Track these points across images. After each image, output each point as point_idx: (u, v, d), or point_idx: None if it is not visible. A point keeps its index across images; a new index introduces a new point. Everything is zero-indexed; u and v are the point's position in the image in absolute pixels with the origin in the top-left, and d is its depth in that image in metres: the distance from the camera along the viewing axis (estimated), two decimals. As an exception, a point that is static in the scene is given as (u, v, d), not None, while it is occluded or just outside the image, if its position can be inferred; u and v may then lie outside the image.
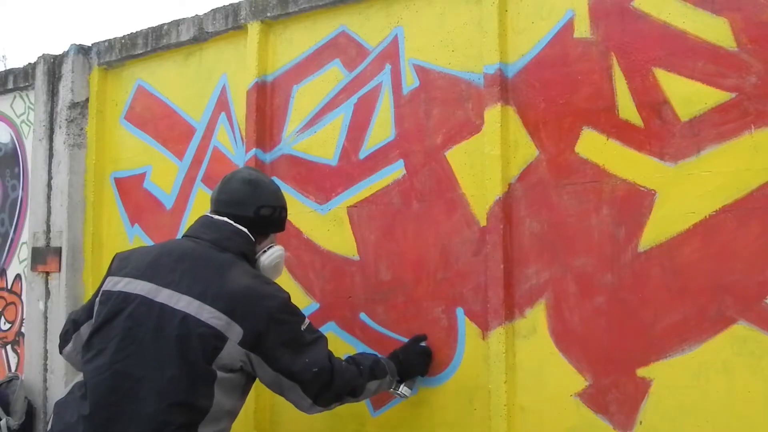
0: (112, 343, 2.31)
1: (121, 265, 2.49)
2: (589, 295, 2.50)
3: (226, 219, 2.51)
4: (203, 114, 3.59)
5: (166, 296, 2.32)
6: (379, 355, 2.69)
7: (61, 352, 2.66)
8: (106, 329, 2.34)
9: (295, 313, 2.43)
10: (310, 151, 3.20)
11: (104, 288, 2.46)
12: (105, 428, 2.24)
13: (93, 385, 2.29)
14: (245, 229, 2.51)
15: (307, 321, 2.44)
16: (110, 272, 2.50)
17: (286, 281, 3.18)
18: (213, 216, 2.54)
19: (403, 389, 2.72)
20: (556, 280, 2.56)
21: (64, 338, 2.62)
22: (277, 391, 2.43)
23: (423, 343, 2.79)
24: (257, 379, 2.44)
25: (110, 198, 3.94)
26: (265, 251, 2.59)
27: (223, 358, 2.27)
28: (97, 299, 2.46)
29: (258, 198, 2.55)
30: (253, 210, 2.53)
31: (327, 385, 2.41)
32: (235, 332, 2.28)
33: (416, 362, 2.74)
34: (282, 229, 2.69)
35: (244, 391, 2.43)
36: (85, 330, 2.48)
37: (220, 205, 2.55)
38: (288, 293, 2.45)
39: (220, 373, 2.28)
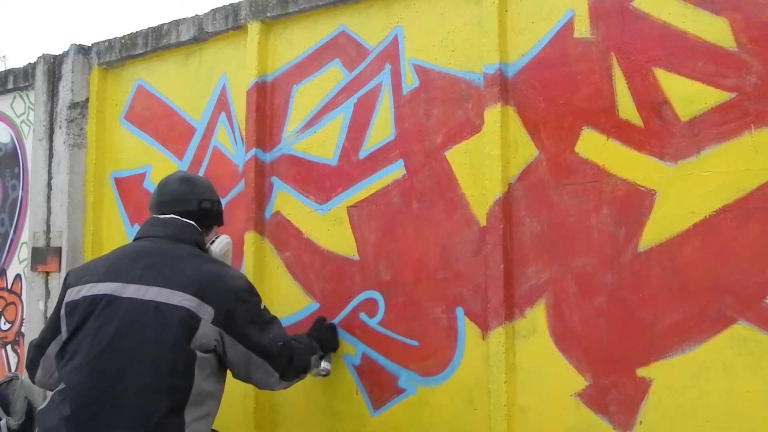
0: (85, 343, 2.35)
1: (78, 275, 2.54)
2: (589, 295, 2.50)
3: (173, 215, 2.63)
4: (203, 114, 3.59)
5: (133, 291, 2.39)
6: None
7: (33, 382, 2.66)
8: (79, 334, 2.38)
9: (255, 294, 2.59)
10: (310, 151, 3.20)
11: (66, 300, 2.49)
12: (88, 427, 2.25)
13: (71, 386, 2.31)
14: (193, 222, 2.64)
15: (262, 302, 2.60)
16: (68, 286, 2.53)
17: (286, 281, 3.19)
18: (159, 216, 2.65)
19: (324, 365, 2.92)
20: (556, 280, 2.56)
21: (31, 366, 2.62)
22: (244, 372, 2.51)
23: (327, 322, 3.02)
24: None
25: (110, 198, 3.94)
26: (213, 241, 2.74)
27: (200, 337, 2.35)
28: (62, 313, 2.48)
29: (197, 193, 2.70)
30: (195, 204, 2.67)
31: (290, 359, 2.57)
32: (206, 312, 2.37)
33: (330, 337, 2.97)
34: (222, 222, 2.83)
35: (220, 376, 2.49)
36: (53, 349, 2.49)
37: (162, 206, 2.66)
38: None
39: (198, 353, 2.35)
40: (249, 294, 2.54)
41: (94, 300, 2.40)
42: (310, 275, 3.15)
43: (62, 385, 2.35)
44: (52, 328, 2.54)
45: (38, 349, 2.57)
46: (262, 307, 2.59)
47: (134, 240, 2.67)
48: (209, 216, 2.72)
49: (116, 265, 2.50)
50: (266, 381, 2.56)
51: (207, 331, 2.37)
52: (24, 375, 4.07)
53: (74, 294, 2.47)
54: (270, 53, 3.37)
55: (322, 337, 2.91)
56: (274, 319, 2.61)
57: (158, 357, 2.29)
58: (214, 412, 2.46)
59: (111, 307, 2.37)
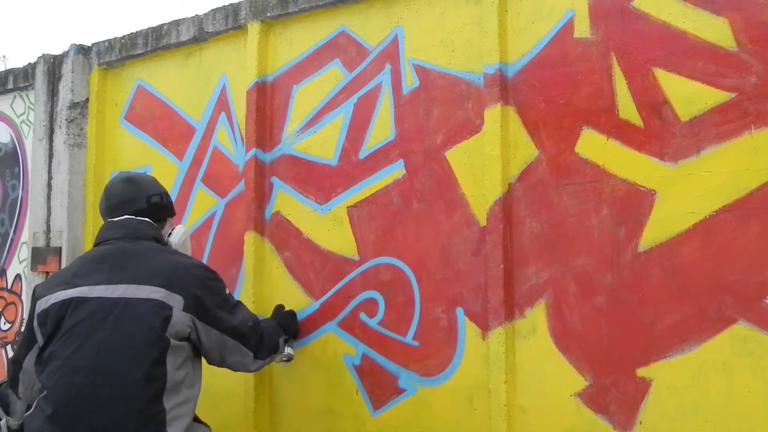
0: (59, 345, 2.40)
1: (45, 287, 2.59)
2: (589, 295, 2.50)
3: (126, 216, 2.67)
4: (203, 114, 3.59)
5: (101, 290, 2.45)
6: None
7: (19, 397, 2.70)
8: (53, 339, 2.43)
9: (219, 279, 2.67)
10: (310, 151, 3.20)
11: (37, 311, 2.53)
12: (71, 423, 2.29)
13: (50, 387, 2.36)
14: (147, 219, 2.70)
15: (226, 287, 2.69)
16: (36, 298, 2.58)
17: (286, 281, 3.19)
18: (113, 219, 2.69)
19: (288, 350, 3.01)
20: (556, 280, 2.56)
21: (13, 384, 2.65)
22: (219, 357, 2.59)
23: (285, 309, 3.09)
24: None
25: (110, 198, 3.93)
26: (170, 233, 2.81)
27: (174, 324, 2.42)
28: (35, 325, 2.52)
29: (144, 190, 2.74)
30: (144, 202, 2.71)
31: (261, 338, 2.69)
32: (176, 300, 2.45)
33: (290, 322, 3.04)
34: (173, 213, 2.88)
35: (195, 363, 2.54)
36: (29, 361, 2.53)
37: (113, 210, 2.71)
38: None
39: (173, 341, 2.41)
40: (214, 281, 2.62)
41: (63, 305, 2.45)
42: (310, 275, 3.15)
43: (44, 392, 2.39)
44: (26, 342, 2.57)
45: (15, 364, 2.59)
46: (227, 291, 2.67)
47: (94, 246, 2.70)
48: (160, 209, 2.77)
49: (80, 271, 2.55)
50: (241, 362, 2.64)
51: (180, 318, 2.44)
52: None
53: (44, 303, 2.51)
54: (270, 53, 3.37)
55: (284, 323, 2.99)
56: (239, 302, 2.72)
57: (132, 348, 2.34)
58: (194, 397, 2.51)
59: (81, 308, 2.42)
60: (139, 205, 2.70)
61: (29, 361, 2.53)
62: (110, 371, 2.32)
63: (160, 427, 2.32)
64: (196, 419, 2.57)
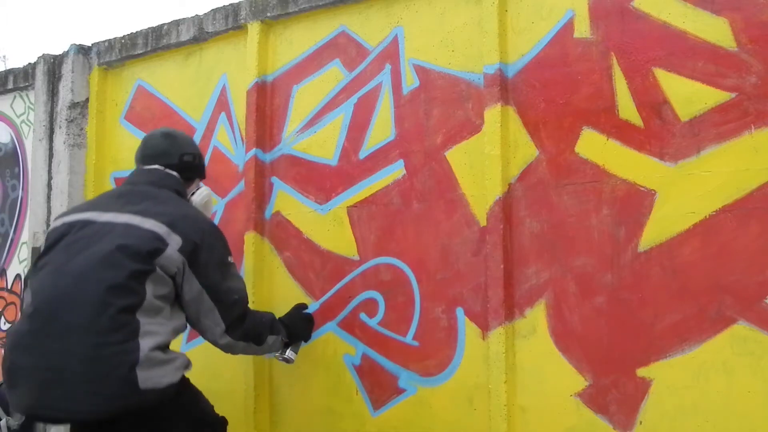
0: (53, 255, 2.51)
1: (59, 215, 2.77)
2: (589, 295, 2.50)
3: (156, 166, 2.76)
4: (203, 114, 3.59)
5: (109, 216, 2.55)
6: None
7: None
8: (53, 251, 2.53)
9: (225, 244, 2.67)
10: (310, 151, 3.20)
11: (48, 231, 2.70)
12: (48, 320, 2.34)
13: (36, 290, 2.46)
14: (175, 173, 2.77)
15: (232, 257, 2.68)
16: (51, 225, 2.73)
17: (286, 281, 3.19)
18: (142, 167, 2.79)
19: (289, 353, 2.91)
20: (556, 280, 2.56)
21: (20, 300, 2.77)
22: (194, 314, 2.57)
23: (305, 311, 3.03)
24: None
25: (110, 198, 3.94)
26: (194, 193, 2.86)
27: (164, 258, 2.45)
28: (43, 243, 2.70)
29: (179, 147, 2.82)
30: (177, 158, 2.79)
31: (241, 317, 2.63)
32: (174, 240, 2.48)
33: (300, 327, 2.98)
34: (204, 175, 2.94)
35: (176, 307, 2.54)
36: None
37: (145, 159, 2.80)
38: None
39: (158, 270, 2.43)
40: (217, 240, 2.63)
41: (70, 224, 2.58)
42: (310, 275, 3.15)
43: (30, 299, 2.49)
44: (33, 263, 2.69)
45: (24, 283, 2.74)
46: (230, 259, 2.66)
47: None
48: (190, 168, 2.84)
49: (96, 201, 2.74)
50: (212, 330, 2.60)
51: (172, 255, 2.46)
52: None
53: (55, 224, 2.66)
54: (270, 53, 3.37)
55: (291, 325, 2.92)
56: (240, 277, 2.71)
57: (119, 260, 2.38)
58: (174, 328, 2.50)
59: (85, 228, 2.53)
60: (171, 160, 2.77)
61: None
62: (93, 276, 2.36)
63: (131, 336, 2.32)
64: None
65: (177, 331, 2.53)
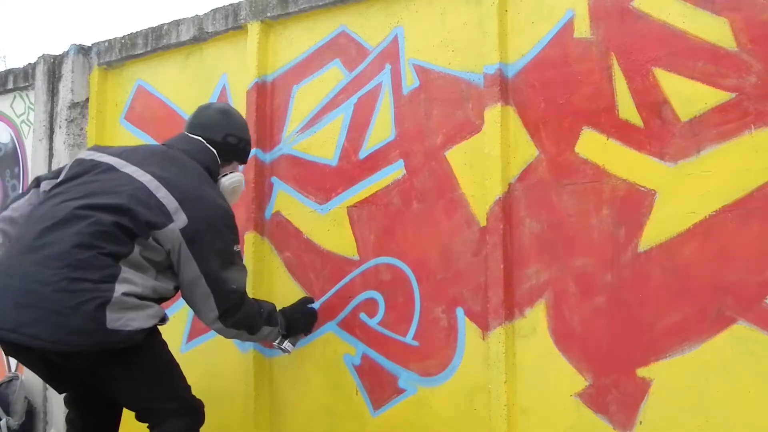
0: (68, 187, 2.56)
1: (96, 147, 2.90)
2: (589, 295, 2.50)
3: (199, 137, 2.78)
4: (203, 114, 3.58)
5: (132, 170, 2.56)
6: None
7: (7, 207, 2.76)
8: (69, 183, 2.58)
9: (233, 232, 2.64)
10: (310, 151, 3.20)
11: (78, 156, 2.73)
12: (36, 250, 2.38)
13: (39, 216, 2.49)
14: (214, 150, 2.77)
15: (238, 246, 2.67)
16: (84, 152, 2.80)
17: (286, 281, 3.19)
18: (187, 134, 2.82)
19: (286, 344, 2.90)
20: (556, 280, 2.56)
21: (22, 194, 2.76)
22: (189, 296, 2.59)
23: (310, 305, 3.02)
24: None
25: (110, 198, 3.93)
26: (226, 174, 2.84)
27: (162, 233, 2.46)
28: (68, 164, 2.72)
29: (228, 127, 2.84)
30: (221, 136, 2.81)
31: (237, 306, 2.62)
32: (180, 219, 2.48)
33: (302, 321, 2.96)
34: (244, 161, 2.96)
35: (165, 275, 2.54)
36: (45, 185, 2.69)
37: (194, 127, 2.83)
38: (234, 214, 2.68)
39: (150, 240, 2.45)
40: (226, 227, 2.60)
41: (97, 164, 2.61)
42: (310, 275, 3.15)
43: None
44: (54, 172, 2.77)
45: (36, 181, 2.75)
46: (236, 248, 2.64)
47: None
48: (232, 150, 2.84)
49: (129, 151, 2.71)
50: (205, 314, 2.61)
51: (171, 233, 2.47)
52: (24, 375, 4.07)
53: (85, 154, 2.70)
54: (270, 53, 3.37)
55: (291, 317, 2.91)
56: (242, 267, 2.68)
57: (119, 215, 2.42)
58: (157, 289, 2.50)
59: (107, 173, 2.57)
60: (215, 137, 2.79)
61: (46, 185, 2.68)
62: (90, 219, 2.40)
63: (108, 279, 2.34)
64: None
65: (158, 292, 2.51)
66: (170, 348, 2.68)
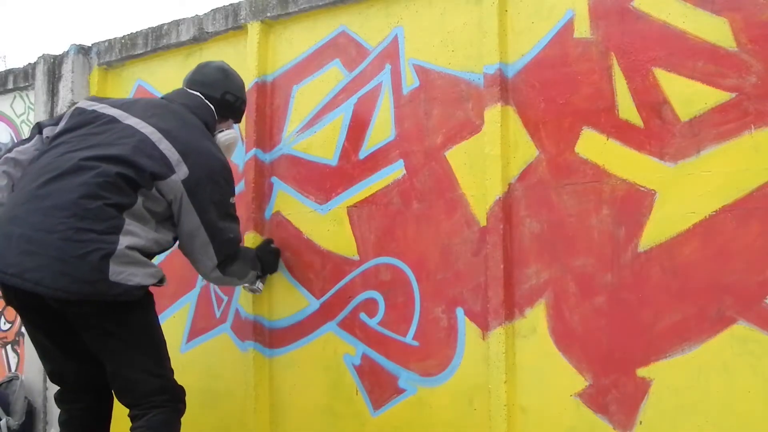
0: (71, 137, 2.60)
1: (96, 97, 2.95)
2: (589, 295, 2.50)
3: (197, 93, 2.86)
4: (203, 114, 3.58)
5: (134, 121, 2.62)
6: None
7: (10, 150, 2.77)
8: (72, 133, 2.63)
9: (231, 185, 2.76)
10: (310, 151, 3.20)
11: (78, 105, 2.79)
12: (42, 198, 2.44)
13: (43, 165, 2.54)
14: (212, 106, 2.86)
15: (234, 199, 2.77)
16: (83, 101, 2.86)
17: (286, 281, 3.19)
18: (186, 89, 2.90)
19: (258, 284, 3.11)
20: (556, 280, 2.56)
21: (26, 139, 2.79)
22: (188, 245, 2.68)
23: (272, 245, 3.16)
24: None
25: (110, 198, 3.93)
26: (222, 131, 2.92)
27: (164, 184, 2.54)
28: (69, 111, 2.77)
29: (227, 85, 2.93)
30: (220, 93, 2.90)
31: (233, 256, 2.76)
32: (182, 170, 2.57)
33: (271, 260, 3.11)
34: (239, 119, 3.06)
35: (166, 226, 2.62)
36: (48, 131, 2.73)
37: (193, 83, 2.91)
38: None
39: (153, 190, 2.53)
40: (224, 180, 2.70)
41: (99, 116, 2.66)
42: (310, 275, 3.15)
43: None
44: (56, 118, 2.82)
45: (38, 127, 2.78)
46: (232, 200, 2.75)
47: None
48: (228, 107, 2.93)
49: (130, 102, 2.80)
50: (204, 263, 2.70)
51: (174, 184, 2.55)
52: (24, 375, 4.07)
53: (86, 104, 2.75)
54: (270, 53, 3.37)
55: (264, 258, 3.05)
56: (237, 219, 2.81)
57: (122, 166, 2.48)
58: (159, 241, 2.58)
59: (109, 125, 2.62)
60: (214, 93, 2.88)
61: (48, 132, 2.72)
62: (94, 170, 2.46)
63: (113, 230, 2.41)
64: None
65: (159, 244, 2.60)
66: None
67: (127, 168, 2.48)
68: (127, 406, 2.58)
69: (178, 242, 2.72)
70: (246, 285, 3.08)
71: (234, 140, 2.97)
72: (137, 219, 2.49)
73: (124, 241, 2.41)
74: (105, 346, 2.54)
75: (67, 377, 2.72)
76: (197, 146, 2.65)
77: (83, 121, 2.66)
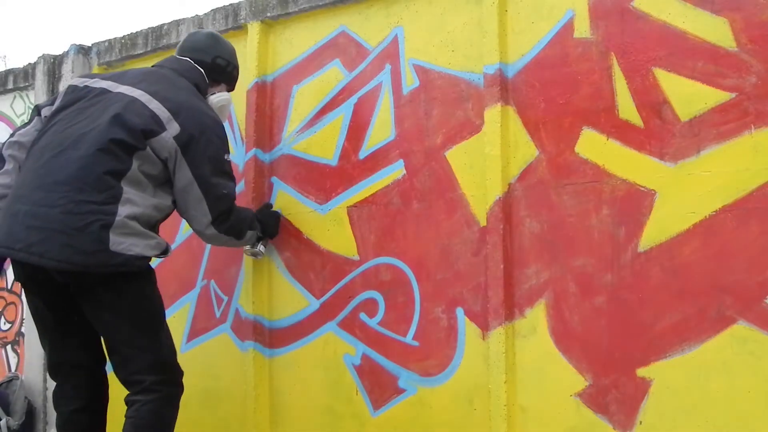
0: (66, 115, 2.66)
1: (87, 74, 3.07)
2: (589, 295, 2.50)
3: (187, 58, 2.92)
4: (203, 114, 3.58)
5: (124, 89, 2.68)
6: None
7: (12, 134, 2.82)
8: (67, 110, 2.68)
9: (224, 141, 2.77)
10: (310, 151, 3.20)
11: (71, 83, 2.84)
12: (44, 176, 2.51)
13: (43, 146, 2.60)
14: (202, 70, 2.91)
15: (229, 156, 2.79)
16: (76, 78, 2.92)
17: (286, 281, 3.19)
18: (176, 56, 2.95)
19: (260, 247, 3.10)
20: (556, 280, 2.56)
21: (26, 123, 2.84)
22: (182, 202, 2.70)
23: (272, 209, 3.17)
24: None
25: (110, 198, 3.93)
26: (213, 93, 2.97)
27: (157, 141, 2.58)
28: (63, 90, 2.83)
29: (217, 49, 2.98)
30: (210, 58, 2.95)
31: (228, 212, 2.76)
32: (173, 128, 2.60)
33: (272, 222, 3.12)
34: (232, 86, 3.09)
35: (163, 189, 2.65)
36: (46, 111, 2.78)
37: (183, 50, 2.97)
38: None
39: (148, 149, 2.56)
40: (217, 137, 2.72)
41: (90, 89, 2.71)
42: (310, 275, 3.15)
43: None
44: (51, 98, 2.90)
45: (36, 110, 2.84)
46: (227, 157, 2.76)
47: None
48: (220, 72, 2.98)
49: (120, 74, 2.85)
50: (199, 220, 2.72)
51: (165, 141, 2.58)
52: (24, 375, 4.07)
53: (76, 81, 2.81)
54: (270, 53, 3.37)
55: (265, 221, 3.07)
56: (233, 178, 2.81)
57: (113, 129, 2.53)
58: (158, 207, 2.62)
59: (100, 96, 2.67)
60: (204, 58, 2.93)
61: (45, 112, 2.78)
62: (89, 140, 2.52)
63: (112, 200, 2.47)
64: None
65: (159, 209, 2.64)
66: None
67: (118, 130, 2.53)
68: (122, 383, 2.62)
69: (176, 203, 2.74)
70: (246, 248, 3.08)
71: (227, 102, 3.00)
72: (135, 185, 2.53)
73: (123, 210, 2.47)
74: (101, 318, 2.59)
75: (63, 366, 2.74)
76: (187, 104, 2.68)
77: (76, 97, 2.71)
